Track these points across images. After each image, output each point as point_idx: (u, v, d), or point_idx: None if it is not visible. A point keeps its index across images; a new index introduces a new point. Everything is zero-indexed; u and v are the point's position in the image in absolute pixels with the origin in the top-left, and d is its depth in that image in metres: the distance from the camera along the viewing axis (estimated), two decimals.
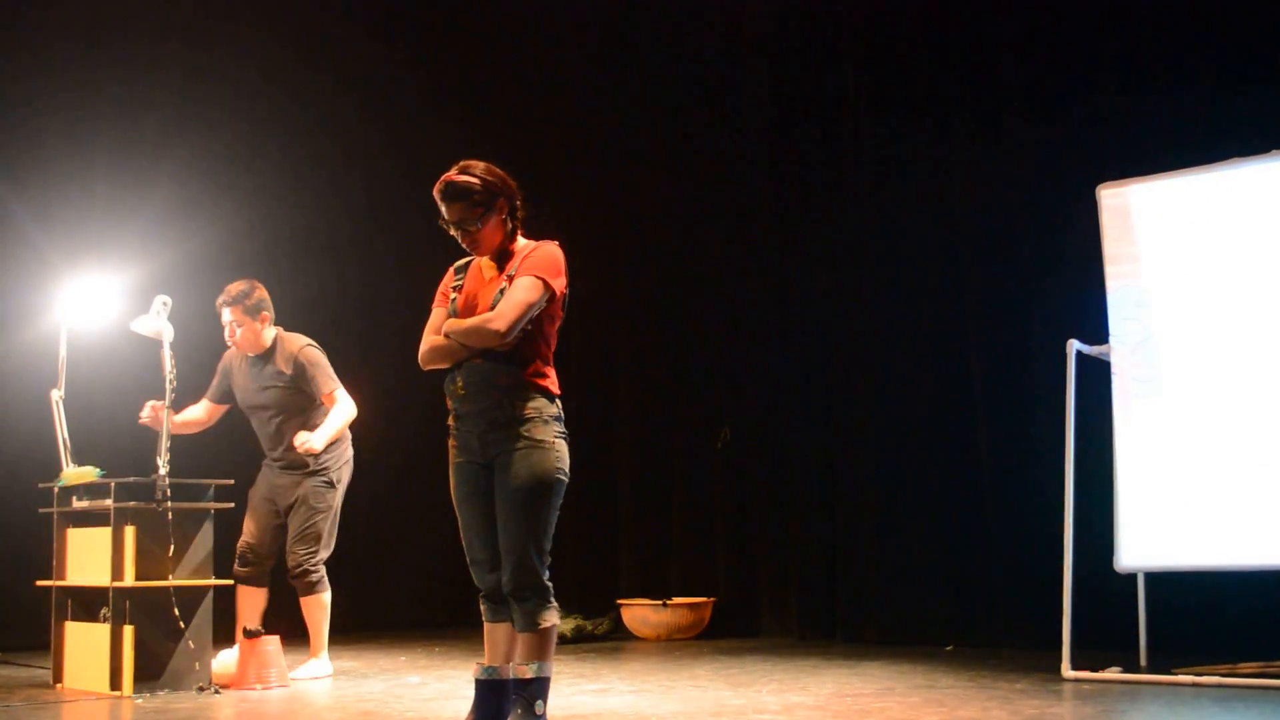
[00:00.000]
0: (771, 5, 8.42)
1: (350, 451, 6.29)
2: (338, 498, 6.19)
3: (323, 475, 6.12)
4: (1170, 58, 6.64)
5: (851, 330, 7.85)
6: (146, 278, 6.77)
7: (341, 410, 6.10)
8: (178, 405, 5.71)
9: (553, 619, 4.02)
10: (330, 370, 6.16)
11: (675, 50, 9.13)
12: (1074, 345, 5.86)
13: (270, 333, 6.17)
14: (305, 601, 6.12)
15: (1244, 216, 5.63)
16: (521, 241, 4.19)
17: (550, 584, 4.02)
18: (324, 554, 6.11)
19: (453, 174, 4.08)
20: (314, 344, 6.22)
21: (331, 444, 6.09)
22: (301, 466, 6.10)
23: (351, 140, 9.26)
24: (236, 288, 6.09)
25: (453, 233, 4.10)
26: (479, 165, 4.11)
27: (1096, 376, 5.93)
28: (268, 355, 6.15)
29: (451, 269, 4.29)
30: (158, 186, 8.27)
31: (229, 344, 6.17)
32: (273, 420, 6.16)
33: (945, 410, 7.38)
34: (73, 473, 5.82)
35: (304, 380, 6.09)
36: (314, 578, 6.07)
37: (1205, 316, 5.68)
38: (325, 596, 6.14)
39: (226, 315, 6.09)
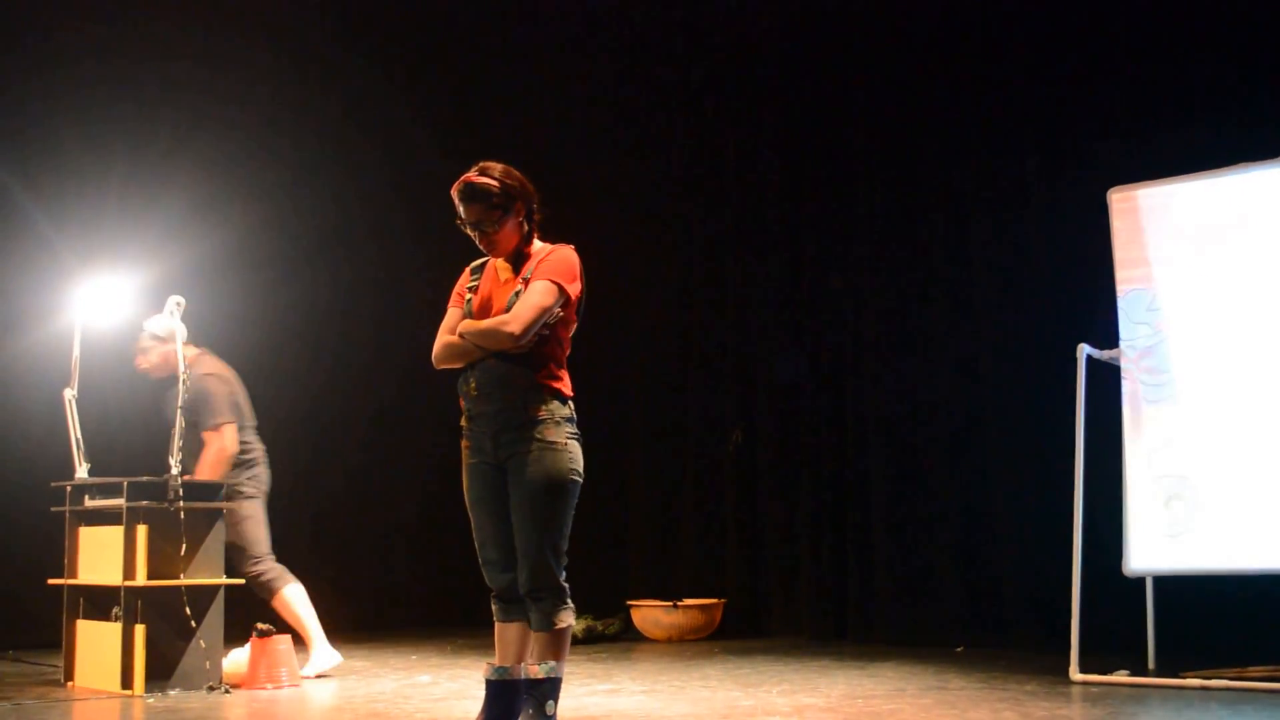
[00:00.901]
0: (778, 5, 8.44)
1: (259, 467, 6.15)
2: (253, 503, 6.05)
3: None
4: (1179, 60, 6.64)
5: (863, 333, 7.87)
6: (160, 278, 6.78)
7: (210, 459, 5.93)
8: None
9: (569, 619, 4.02)
10: (220, 405, 5.98)
11: (683, 55, 9.15)
12: (1084, 350, 5.87)
13: (186, 353, 5.94)
14: (274, 605, 6.09)
15: (1254, 221, 5.63)
16: (538, 244, 4.18)
17: (567, 585, 4.03)
18: (264, 563, 6.02)
19: (472, 175, 4.08)
20: (218, 373, 6.07)
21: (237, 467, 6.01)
22: None
23: (365, 140, 9.26)
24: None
25: (469, 233, 4.10)
26: (498, 167, 4.10)
27: (1106, 380, 5.94)
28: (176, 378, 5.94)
29: (467, 269, 4.29)
30: (172, 187, 8.30)
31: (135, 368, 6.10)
32: (183, 439, 5.90)
33: (956, 413, 7.39)
34: None
35: (194, 409, 5.88)
36: (266, 578, 6.02)
37: (1215, 321, 5.68)
38: (288, 590, 6.06)
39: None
